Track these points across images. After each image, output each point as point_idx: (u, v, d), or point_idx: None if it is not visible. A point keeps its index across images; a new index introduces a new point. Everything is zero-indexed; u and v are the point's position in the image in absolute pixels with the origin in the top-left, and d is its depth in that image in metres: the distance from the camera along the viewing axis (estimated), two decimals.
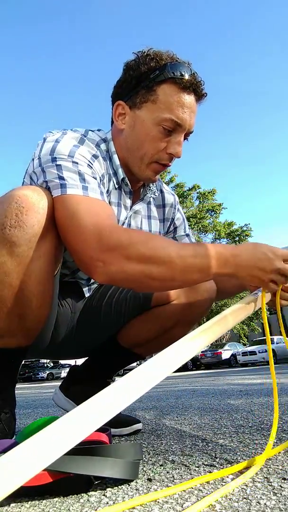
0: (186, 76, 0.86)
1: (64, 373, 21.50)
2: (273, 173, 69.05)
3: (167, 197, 1.10)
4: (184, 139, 0.92)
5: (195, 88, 0.88)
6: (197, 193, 24.55)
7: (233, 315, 0.77)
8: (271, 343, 17.37)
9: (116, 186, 0.95)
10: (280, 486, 0.54)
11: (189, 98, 0.87)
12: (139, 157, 0.91)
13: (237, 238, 24.44)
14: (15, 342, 0.81)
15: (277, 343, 16.98)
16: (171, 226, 1.13)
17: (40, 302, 0.79)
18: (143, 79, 0.88)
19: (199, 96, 0.90)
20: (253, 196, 70.20)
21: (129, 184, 0.96)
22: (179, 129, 0.88)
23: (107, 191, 0.93)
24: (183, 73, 0.86)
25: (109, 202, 0.95)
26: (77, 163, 0.80)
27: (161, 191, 1.10)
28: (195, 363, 18.07)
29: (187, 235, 1.17)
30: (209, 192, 24.34)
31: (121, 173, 0.94)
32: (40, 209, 0.73)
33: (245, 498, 0.51)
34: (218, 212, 24.48)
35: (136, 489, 0.58)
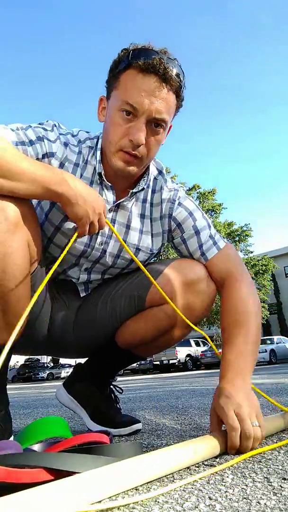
0: (144, 59, 0.84)
1: (64, 373, 21.49)
2: (274, 172, 69.06)
3: (164, 193, 1.04)
4: (157, 127, 0.88)
5: (154, 70, 0.84)
6: (197, 193, 24.51)
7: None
8: (271, 343, 17.21)
9: (99, 181, 0.96)
10: (280, 486, 0.54)
11: (148, 81, 0.84)
12: (107, 146, 0.92)
13: (237, 238, 24.43)
14: (1, 339, 0.82)
15: (277, 343, 16.96)
16: (172, 222, 1.04)
17: (17, 297, 0.81)
18: (113, 69, 0.90)
19: (164, 78, 0.85)
20: (254, 196, 70.23)
21: (104, 179, 0.95)
22: (137, 114, 0.85)
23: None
24: (142, 57, 0.84)
25: None
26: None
27: (161, 188, 1.04)
28: (195, 363, 18.06)
29: (195, 232, 1.03)
30: (209, 192, 24.31)
31: (98, 167, 0.95)
32: (6, 207, 0.77)
33: (245, 498, 0.51)
34: (218, 212, 24.45)
35: (136, 489, 0.58)
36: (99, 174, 0.95)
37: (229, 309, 0.95)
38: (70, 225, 0.95)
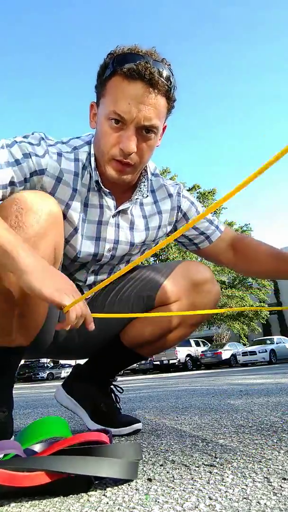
0: (129, 65, 0.81)
1: (64, 373, 21.49)
2: (275, 172, 69.08)
3: (170, 188, 1.09)
4: (148, 133, 0.86)
5: (140, 76, 0.80)
6: (197, 193, 24.50)
7: None
8: (271, 343, 17.30)
9: (96, 188, 0.95)
10: (280, 486, 0.54)
11: (134, 88, 0.81)
12: (100, 155, 0.91)
13: None
14: (15, 342, 0.81)
15: (277, 343, 16.95)
16: (179, 213, 1.11)
17: (38, 301, 0.80)
18: (100, 76, 0.88)
19: (150, 83, 0.82)
20: (254, 195, 70.27)
21: (102, 186, 0.94)
22: (126, 122, 0.83)
23: (75, 189, 0.93)
24: (127, 63, 0.81)
25: (87, 204, 0.95)
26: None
27: (164, 185, 1.08)
28: (195, 363, 18.05)
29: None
30: (209, 192, 24.31)
31: (94, 175, 0.93)
32: (39, 210, 0.78)
33: (245, 498, 0.51)
34: (218, 212, 24.45)
35: (136, 489, 0.58)
36: (96, 182, 0.94)
37: (258, 244, 1.11)
38: (75, 237, 0.95)
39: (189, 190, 24.21)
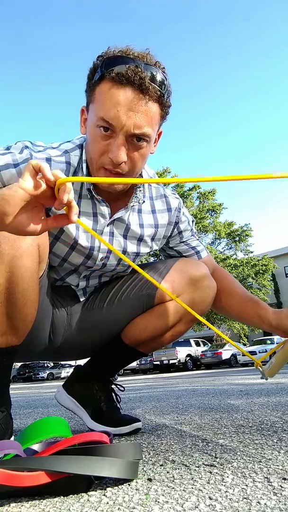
0: (118, 69, 0.77)
1: (64, 373, 21.51)
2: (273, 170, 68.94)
3: (172, 201, 1.07)
4: (139, 141, 0.82)
5: (129, 81, 0.77)
6: (197, 193, 24.53)
7: None
8: (271, 343, 17.29)
9: (89, 195, 0.92)
10: (280, 486, 0.54)
11: (124, 94, 0.77)
12: (90, 162, 0.87)
13: (237, 238, 24.45)
14: (4, 341, 0.81)
15: (277, 343, 16.89)
16: (175, 229, 1.10)
17: (25, 300, 0.80)
18: (89, 79, 0.85)
19: (140, 89, 0.78)
20: (254, 195, 70.31)
21: (94, 193, 0.91)
22: (115, 130, 0.79)
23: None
24: (115, 66, 0.77)
25: (80, 212, 0.91)
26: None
27: (165, 196, 1.06)
28: (195, 363, 18.05)
29: (192, 235, 1.16)
30: (209, 192, 24.34)
31: (86, 183, 0.91)
32: None
33: (245, 498, 0.51)
34: (218, 212, 24.48)
35: (136, 489, 0.58)
36: (88, 189, 0.91)
37: (235, 285, 1.17)
38: (67, 236, 0.94)
39: (189, 190, 24.22)
